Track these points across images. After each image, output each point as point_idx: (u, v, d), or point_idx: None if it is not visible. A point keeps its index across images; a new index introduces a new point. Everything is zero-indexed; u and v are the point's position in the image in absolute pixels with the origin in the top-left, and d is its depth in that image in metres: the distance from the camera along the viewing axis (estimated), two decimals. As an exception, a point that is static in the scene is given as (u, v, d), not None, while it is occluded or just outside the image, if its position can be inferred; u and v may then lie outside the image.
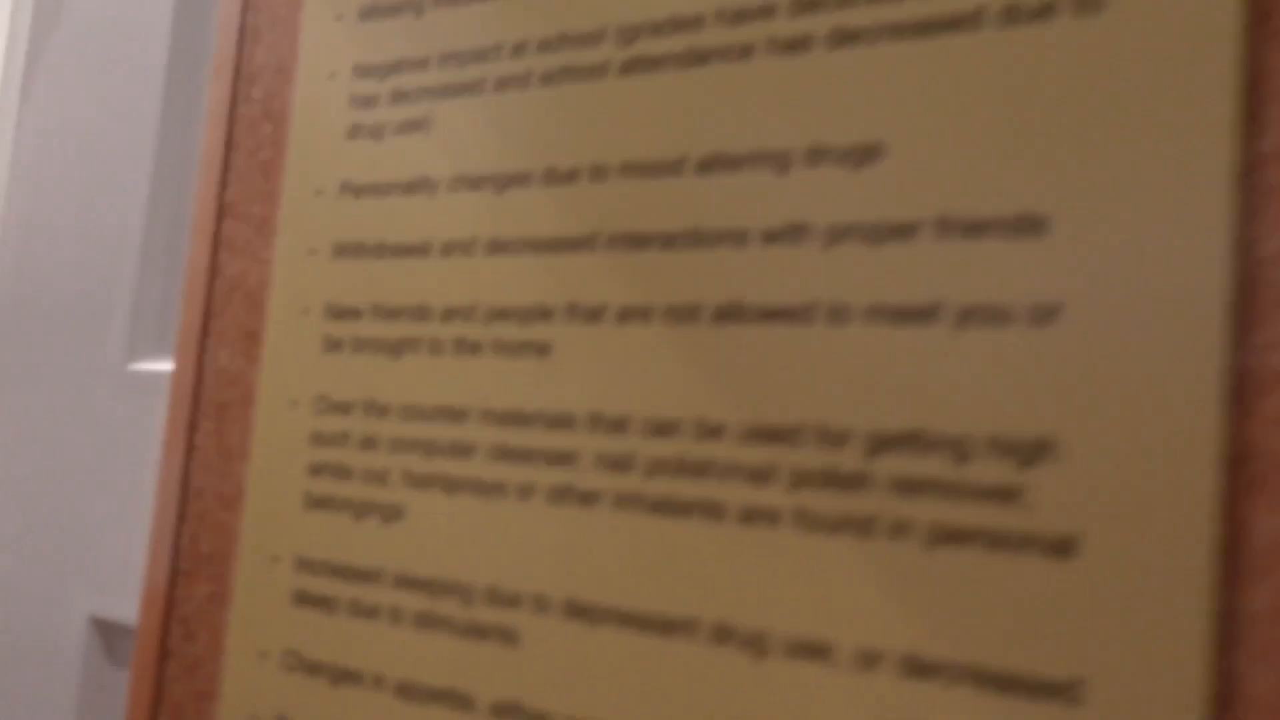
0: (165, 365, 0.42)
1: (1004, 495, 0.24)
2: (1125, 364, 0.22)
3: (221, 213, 0.39)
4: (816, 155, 0.27)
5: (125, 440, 0.42)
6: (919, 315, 0.25)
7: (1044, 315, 0.23)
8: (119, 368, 0.42)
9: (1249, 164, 0.22)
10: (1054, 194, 0.24)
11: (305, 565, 0.35)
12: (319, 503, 0.35)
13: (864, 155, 0.26)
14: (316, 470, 0.35)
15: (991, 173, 0.24)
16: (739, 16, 0.28)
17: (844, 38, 0.27)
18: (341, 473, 0.35)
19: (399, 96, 0.35)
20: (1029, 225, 0.24)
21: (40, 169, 0.46)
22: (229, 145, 0.39)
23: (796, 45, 0.27)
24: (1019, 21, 0.24)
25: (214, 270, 0.39)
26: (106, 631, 0.42)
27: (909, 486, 0.25)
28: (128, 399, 0.42)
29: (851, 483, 0.25)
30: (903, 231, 0.25)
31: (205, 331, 0.38)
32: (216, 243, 0.39)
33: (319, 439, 0.35)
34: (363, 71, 0.36)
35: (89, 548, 0.43)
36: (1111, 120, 0.23)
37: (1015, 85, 0.24)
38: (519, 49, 0.32)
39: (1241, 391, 0.21)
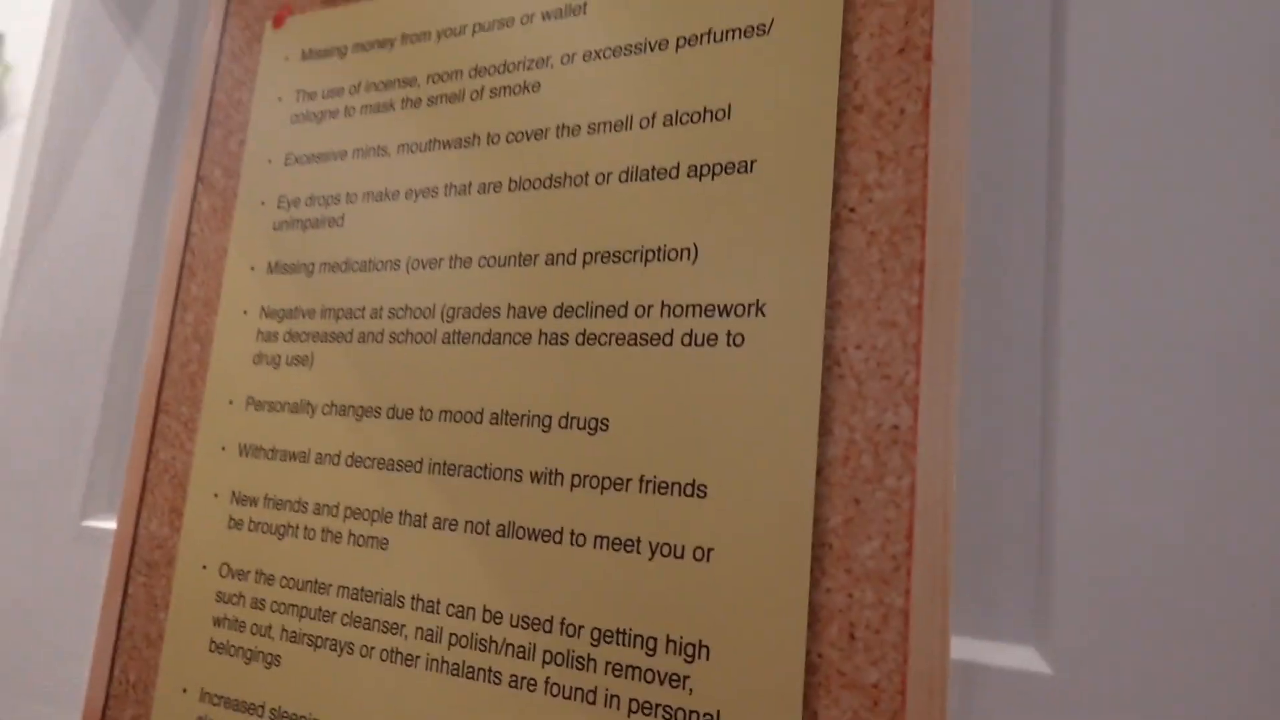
0: (111, 524, 0.49)
1: (676, 680, 0.31)
2: (751, 594, 0.30)
3: (158, 410, 0.46)
4: (567, 420, 0.35)
5: (77, 582, 0.49)
6: (627, 545, 0.33)
7: (703, 554, 0.31)
8: (74, 523, 0.49)
9: (821, 465, 0.30)
10: (710, 469, 0.32)
11: (207, 697, 0.42)
12: (219, 647, 0.42)
13: (596, 425, 0.34)
14: (219, 621, 0.42)
15: (673, 450, 0.33)
16: (523, 312, 0.37)
17: (588, 338, 0.35)
18: (237, 625, 0.42)
19: (292, 336, 0.43)
20: (695, 490, 0.32)
21: (21, 358, 0.54)
22: (167, 357, 0.46)
23: (558, 339, 0.36)
24: (695, 344, 0.33)
25: (150, 455, 0.46)
26: (54, 738, 0.48)
27: (618, 669, 0.32)
28: (80, 549, 0.49)
29: (582, 663, 0.33)
30: (619, 484, 0.33)
31: (141, 504, 0.46)
32: (153, 433, 0.46)
33: (221, 597, 0.42)
34: (267, 313, 0.44)
35: (45, 671, 0.49)
36: (746, 419, 0.31)
37: (690, 385, 0.33)
38: (376, 312, 0.40)
39: (814, 620, 0.29)
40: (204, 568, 0.43)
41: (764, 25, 0.33)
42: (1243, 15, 0.28)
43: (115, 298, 0.50)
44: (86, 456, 0.50)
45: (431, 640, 0.36)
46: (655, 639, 0.32)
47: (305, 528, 0.40)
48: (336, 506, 0.40)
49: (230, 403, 0.44)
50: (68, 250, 0.53)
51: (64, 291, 0.53)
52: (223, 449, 0.44)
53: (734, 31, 0.34)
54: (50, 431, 0.51)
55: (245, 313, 0.44)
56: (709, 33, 0.34)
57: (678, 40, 0.35)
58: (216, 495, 0.43)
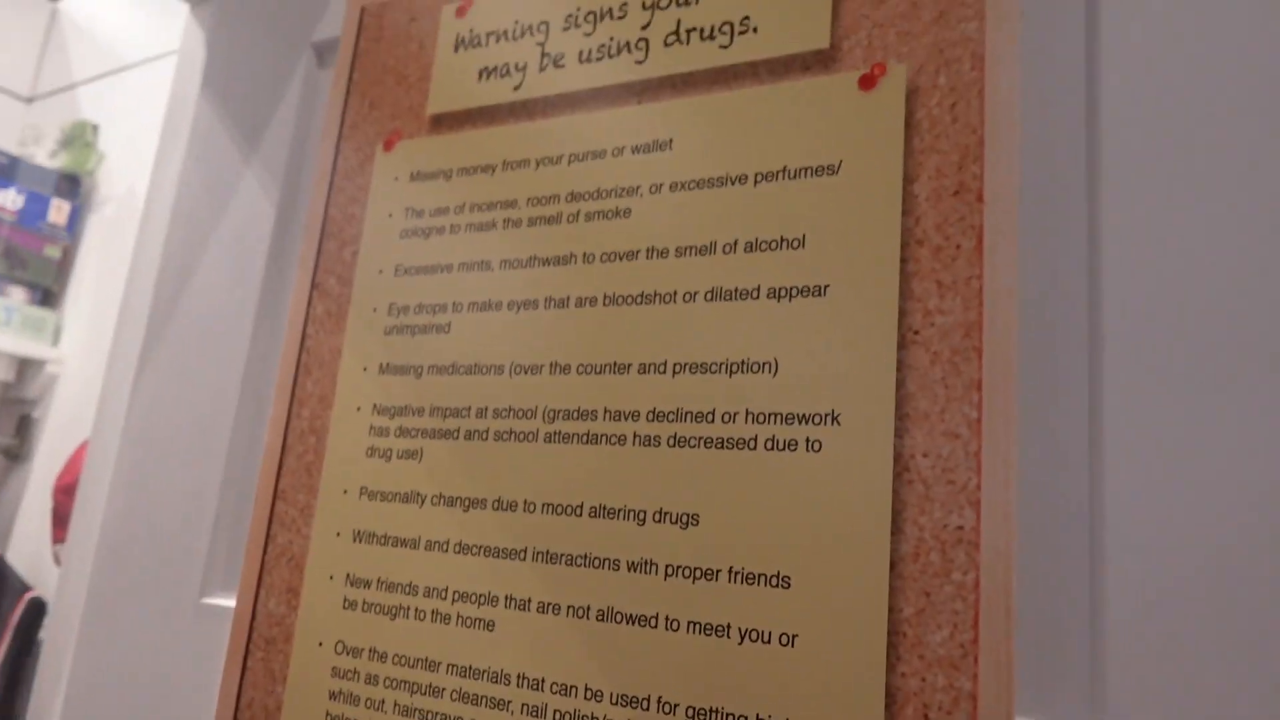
0: (229, 601, 0.55)
1: (765, 756, 0.36)
2: (833, 677, 0.35)
3: (276, 497, 0.53)
4: (660, 515, 0.40)
5: (197, 656, 0.55)
6: (718, 631, 0.38)
7: (788, 640, 0.37)
8: (194, 600, 0.56)
9: (894, 561, 0.35)
10: (793, 562, 0.37)
11: (323, 766, 0.47)
12: (335, 719, 0.48)
13: (688, 520, 0.40)
14: (334, 695, 0.48)
15: (759, 544, 0.38)
16: (618, 415, 0.43)
17: (679, 441, 0.41)
18: (352, 699, 0.47)
19: (402, 432, 0.49)
20: (780, 581, 0.37)
21: (143, 443, 0.61)
22: (284, 448, 0.53)
23: (651, 440, 0.41)
24: (777, 449, 0.38)
25: (268, 539, 0.52)
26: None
27: (711, 745, 0.37)
28: (199, 625, 0.55)
29: (678, 739, 0.38)
30: (709, 574, 0.39)
31: (259, 584, 0.52)
32: (271, 518, 0.53)
33: (336, 672, 0.48)
34: (379, 410, 0.50)
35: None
36: (825, 517, 0.37)
37: (773, 486, 0.38)
38: (481, 412, 0.47)
39: (891, 702, 0.34)
40: (320, 645, 0.49)
41: (833, 166, 0.39)
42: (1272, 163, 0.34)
43: (233, 390, 0.58)
44: (205, 538, 0.56)
45: (536, 716, 0.41)
46: (746, 717, 0.37)
47: (416, 609, 0.46)
48: (445, 590, 0.45)
49: (345, 492, 0.50)
50: (189, 345, 0.61)
51: (185, 383, 0.60)
52: (338, 534, 0.50)
53: (806, 170, 0.40)
54: (171, 514, 0.58)
55: (359, 409, 0.51)
56: (784, 170, 0.41)
57: (755, 176, 0.41)
58: (332, 577, 0.49)
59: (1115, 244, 0.35)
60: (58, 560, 1.21)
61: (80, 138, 1.37)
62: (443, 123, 0.53)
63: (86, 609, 0.61)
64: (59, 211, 1.37)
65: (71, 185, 1.38)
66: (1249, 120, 0.34)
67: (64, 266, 1.42)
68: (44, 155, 1.44)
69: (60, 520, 1.18)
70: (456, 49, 0.53)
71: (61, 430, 1.35)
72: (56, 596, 0.69)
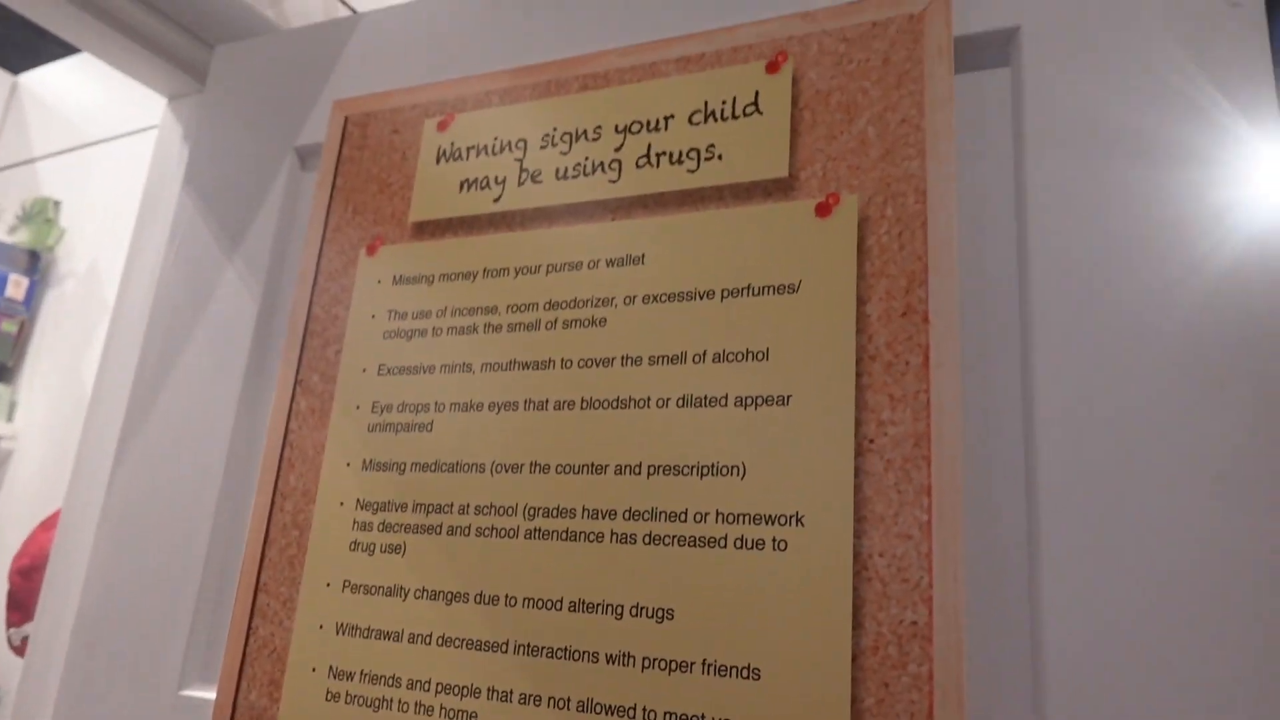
0: (209, 694, 0.56)
1: (739, 842, 0.39)
2: (800, 765, 0.38)
3: (258, 589, 0.54)
4: (637, 610, 0.43)
5: (172, 749, 0.56)
6: (693, 721, 0.41)
7: (759, 729, 0.39)
8: (172, 693, 0.57)
9: (855, 654, 0.38)
10: (763, 655, 0.40)
11: None
12: (316, 812, 0.49)
13: (663, 615, 0.43)
14: (316, 788, 0.49)
15: (731, 637, 0.41)
16: (596, 514, 0.46)
17: (654, 539, 0.44)
18: (334, 791, 0.49)
19: (385, 527, 0.51)
20: (750, 673, 0.40)
21: (120, 533, 0.62)
22: (266, 542, 0.55)
23: (627, 538, 0.44)
24: (746, 547, 0.42)
25: (249, 631, 0.54)
26: None
27: (688, 832, 0.40)
28: (179, 717, 0.56)
29: (656, 826, 0.40)
30: (684, 667, 0.42)
31: (240, 676, 0.53)
32: (253, 611, 0.54)
33: (319, 765, 0.50)
34: (362, 505, 0.53)
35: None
36: (791, 613, 0.40)
37: (743, 582, 0.41)
38: (463, 508, 0.49)
39: (856, 789, 0.37)
40: (302, 737, 0.50)
41: (793, 285, 0.43)
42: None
43: (214, 483, 0.59)
44: (184, 629, 0.58)
45: (519, 805, 0.43)
46: (720, 803, 0.39)
47: (400, 701, 0.48)
48: (429, 682, 0.47)
49: (328, 585, 0.52)
50: (169, 436, 0.62)
51: (164, 472, 0.62)
52: (320, 627, 0.52)
53: (769, 288, 0.44)
54: (150, 605, 0.59)
55: (342, 504, 0.53)
56: (748, 287, 0.45)
57: (722, 292, 0.45)
58: (315, 670, 0.51)
59: (1045, 361, 0.40)
60: (13, 644, 1.18)
61: (42, 213, 1.38)
62: (425, 230, 0.56)
63: (59, 700, 0.61)
64: (17, 287, 1.37)
65: (31, 260, 1.39)
66: (1158, 250, 0.39)
67: (20, 341, 1.41)
68: (3, 230, 1.44)
69: (16, 604, 1.16)
70: (438, 161, 0.57)
71: (16, 509, 1.33)
72: (22, 685, 0.69)
